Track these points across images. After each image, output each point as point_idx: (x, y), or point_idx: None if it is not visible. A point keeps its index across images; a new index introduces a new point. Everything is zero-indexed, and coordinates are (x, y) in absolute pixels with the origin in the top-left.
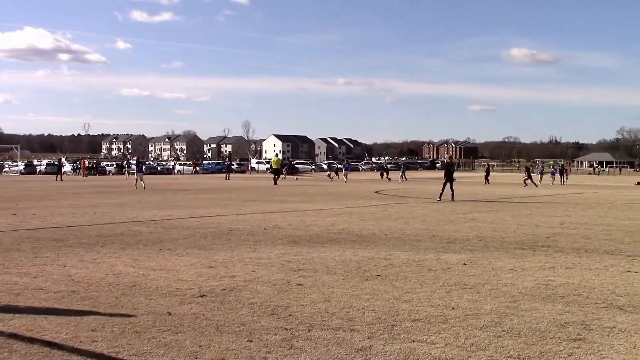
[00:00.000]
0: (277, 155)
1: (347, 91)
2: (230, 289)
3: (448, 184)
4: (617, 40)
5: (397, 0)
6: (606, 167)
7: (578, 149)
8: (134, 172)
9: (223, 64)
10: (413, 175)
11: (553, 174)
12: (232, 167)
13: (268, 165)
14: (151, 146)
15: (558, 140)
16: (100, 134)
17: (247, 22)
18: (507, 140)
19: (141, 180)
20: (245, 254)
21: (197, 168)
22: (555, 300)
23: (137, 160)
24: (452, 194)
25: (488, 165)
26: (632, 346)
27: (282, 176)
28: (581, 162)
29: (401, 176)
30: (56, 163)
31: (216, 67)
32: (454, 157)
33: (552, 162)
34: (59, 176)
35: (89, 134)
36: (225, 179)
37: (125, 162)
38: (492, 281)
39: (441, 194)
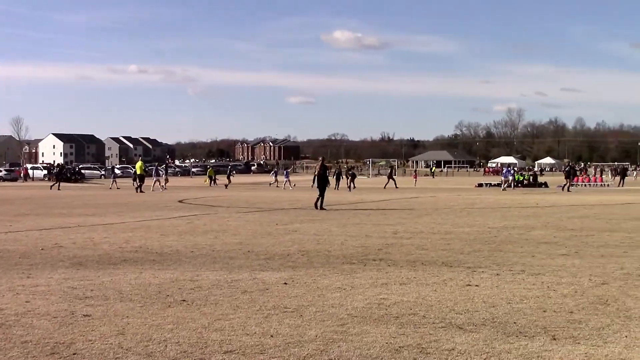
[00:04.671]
0: (140, 157)
1: (142, 81)
2: None
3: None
4: (451, 22)
5: None
6: (444, 167)
7: (413, 147)
8: None
9: None
10: (224, 180)
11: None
12: (64, 174)
13: (45, 172)
14: None
15: (391, 137)
16: None
17: None
18: (333, 138)
19: None
20: (17, 281)
21: None
22: (388, 322)
23: None
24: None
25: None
26: None
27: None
28: (417, 162)
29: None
30: None
31: None
32: (271, 158)
33: (383, 163)
34: None
35: None
36: (52, 188)
37: None
38: (317, 302)
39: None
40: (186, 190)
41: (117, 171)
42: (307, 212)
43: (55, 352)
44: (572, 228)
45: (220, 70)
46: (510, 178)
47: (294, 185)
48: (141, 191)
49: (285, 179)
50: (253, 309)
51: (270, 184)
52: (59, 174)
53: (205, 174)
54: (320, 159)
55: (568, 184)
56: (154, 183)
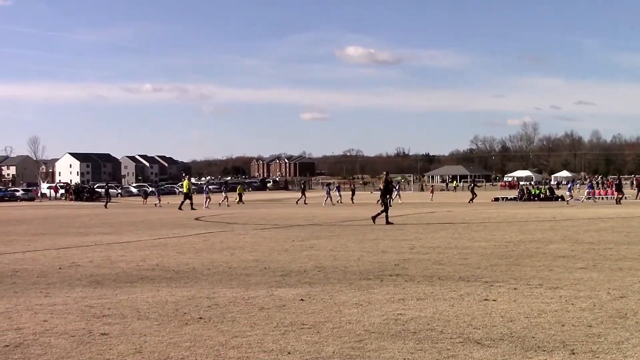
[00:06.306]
0: (186, 177)
1: (157, 99)
2: (16, 345)
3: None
4: (464, 37)
5: None
6: (460, 181)
7: (429, 162)
8: None
9: None
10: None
11: (590, 187)
12: (110, 192)
13: (63, 191)
14: None
15: (406, 152)
16: None
17: (25, 13)
18: (348, 154)
19: None
20: (35, 300)
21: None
22: (406, 337)
23: None
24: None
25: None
26: None
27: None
28: (432, 177)
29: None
30: None
31: None
32: (287, 174)
33: (399, 178)
34: None
35: None
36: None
37: None
38: (334, 318)
39: (386, 216)
40: (203, 208)
41: (161, 189)
42: (324, 228)
43: None
44: (589, 241)
45: (234, 87)
46: (588, 191)
47: (336, 201)
48: (192, 208)
49: (326, 195)
50: (270, 325)
51: (329, 197)
52: (107, 192)
53: (222, 191)
54: (384, 173)
55: (618, 196)
56: (206, 200)
